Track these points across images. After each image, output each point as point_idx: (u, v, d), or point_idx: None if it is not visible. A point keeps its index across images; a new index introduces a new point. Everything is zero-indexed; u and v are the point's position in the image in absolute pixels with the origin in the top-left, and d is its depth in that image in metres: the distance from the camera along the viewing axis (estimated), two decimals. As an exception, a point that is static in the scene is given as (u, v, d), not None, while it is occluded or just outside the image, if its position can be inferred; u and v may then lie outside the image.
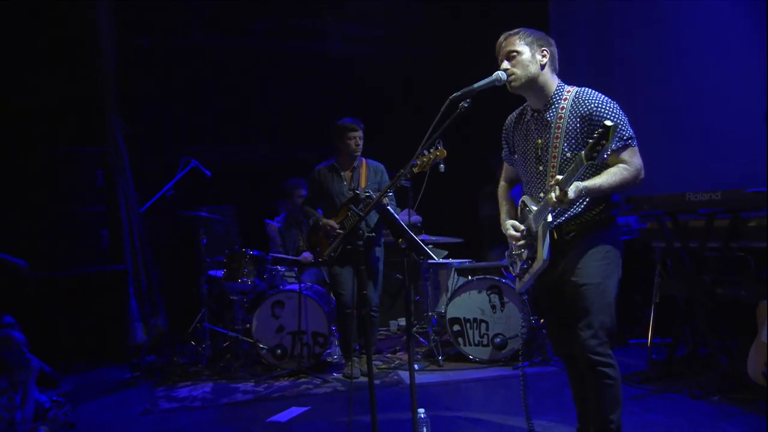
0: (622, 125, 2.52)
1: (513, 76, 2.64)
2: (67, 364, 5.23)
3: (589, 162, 2.35)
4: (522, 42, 2.64)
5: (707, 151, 5.16)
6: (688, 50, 5.41)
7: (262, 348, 4.95)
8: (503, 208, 2.99)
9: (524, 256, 2.74)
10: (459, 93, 2.59)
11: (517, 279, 2.87)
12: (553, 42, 2.71)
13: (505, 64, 2.66)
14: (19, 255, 4.89)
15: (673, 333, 4.40)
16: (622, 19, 6.20)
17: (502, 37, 2.70)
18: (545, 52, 2.65)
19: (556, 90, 2.66)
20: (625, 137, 2.52)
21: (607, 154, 2.40)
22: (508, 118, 2.94)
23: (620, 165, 2.52)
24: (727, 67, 5.06)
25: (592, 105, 2.55)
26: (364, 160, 4.81)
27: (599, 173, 2.54)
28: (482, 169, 5.95)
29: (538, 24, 7.15)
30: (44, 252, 5.28)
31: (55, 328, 5.23)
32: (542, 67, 2.64)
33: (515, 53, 2.63)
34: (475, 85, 2.60)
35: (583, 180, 2.48)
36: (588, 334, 2.55)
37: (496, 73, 2.62)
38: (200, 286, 5.21)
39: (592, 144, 2.32)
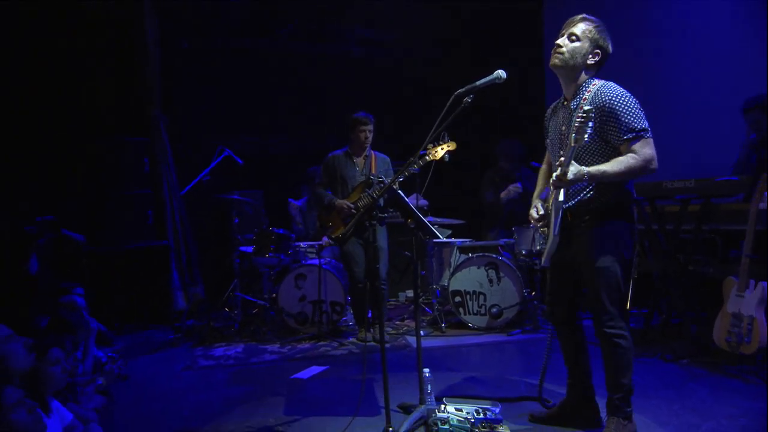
0: (634, 118, 2.41)
1: (560, 55, 2.53)
2: (119, 325, 5.27)
3: (576, 144, 2.28)
4: (587, 33, 2.51)
5: (683, 143, 5.12)
6: (672, 51, 5.31)
7: (286, 315, 4.97)
8: (538, 188, 2.91)
9: (545, 233, 2.70)
10: (463, 89, 2.57)
11: (544, 254, 2.76)
12: (610, 50, 2.56)
13: (562, 40, 2.54)
14: (77, 231, 4.97)
15: (649, 305, 4.41)
16: (610, 20, 6.11)
17: (575, 17, 2.55)
18: (598, 54, 2.53)
19: (585, 82, 2.56)
20: (636, 129, 2.40)
21: (618, 141, 2.38)
22: (549, 108, 2.82)
23: (629, 154, 2.42)
24: (704, 69, 4.99)
25: (608, 97, 2.45)
26: (373, 152, 4.79)
27: (609, 161, 2.45)
28: (483, 157, 5.94)
29: (533, 24, 7.00)
30: (99, 229, 5.33)
31: (109, 295, 5.24)
32: (587, 66, 2.54)
33: (575, 37, 2.52)
34: (478, 83, 2.58)
35: (589, 166, 2.43)
36: (601, 310, 2.54)
37: (496, 71, 2.58)
38: (233, 260, 5.23)
39: (577, 128, 2.27)
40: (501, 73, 2.58)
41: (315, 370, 3.97)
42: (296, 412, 3.17)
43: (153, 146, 5.69)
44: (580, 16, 2.56)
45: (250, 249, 5.12)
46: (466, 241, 5.33)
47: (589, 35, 2.52)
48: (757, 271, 3.45)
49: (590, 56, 2.54)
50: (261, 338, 4.87)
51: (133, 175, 5.52)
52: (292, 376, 3.84)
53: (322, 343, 4.70)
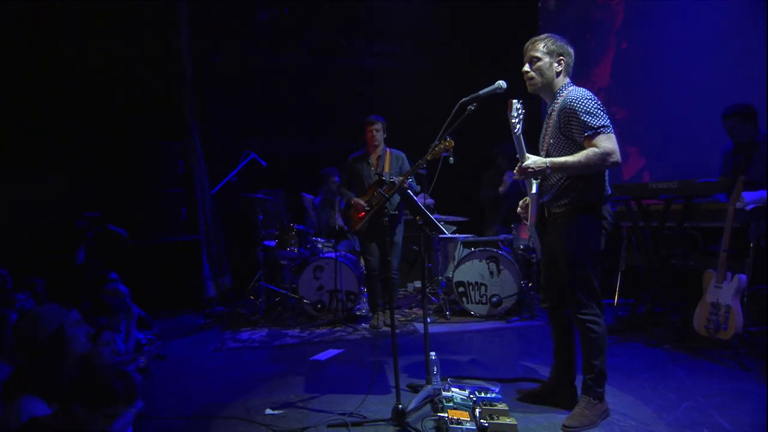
0: (592, 116, 2.42)
1: (531, 80, 2.59)
2: (156, 311, 5.30)
3: (516, 133, 2.43)
4: (544, 50, 2.56)
5: (667, 147, 5.11)
6: (660, 57, 5.24)
7: (305, 303, 5.02)
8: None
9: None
10: (467, 98, 2.59)
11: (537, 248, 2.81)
12: (572, 52, 2.59)
13: (526, 67, 2.60)
14: (121, 226, 5.04)
15: (635, 295, 4.41)
16: (598, 24, 6.07)
17: (529, 41, 2.60)
18: (562, 61, 2.57)
19: (560, 88, 2.59)
20: (595, 126, 2.41)
21: (581, 137, 2.44)
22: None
23: (590, 148, 2.42)
24: (692, 76, 4.90)
25: (569, 98, 2.48)
26: (388, 149, 4.77)
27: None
28: (483, 159, 5.95)
29: (529, 29, 6.88)
30: (138, 224, 5.38)
31: (147, 283, 5.26)
32: (557, 74, 2.58)
33: (536, 59, 2.56)
34: (480, 92, 2.60)
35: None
36: (573, 299, 2.58)
37: (497, 82, 2.59)
38: (257, 253, 5.25)
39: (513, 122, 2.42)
40: (502, 83, 2.60)
41: (332, 352, 4.01)
42: (315, 389, 3.22)
43: (187, 150, 5.72)
44: (533, 39, 2.62)
45: (273, 243, 5.15)
46: (469, 237, 5.35)
47: (546, 50, 2.58)
48: (733, 264, 3.47)
49: (555, 65, 2.59)
50: (283, 324, 4.92)
51: (169, 175, 5.59)
52: (311, 358, 3.89)
53: (338, 328, 4.73)
